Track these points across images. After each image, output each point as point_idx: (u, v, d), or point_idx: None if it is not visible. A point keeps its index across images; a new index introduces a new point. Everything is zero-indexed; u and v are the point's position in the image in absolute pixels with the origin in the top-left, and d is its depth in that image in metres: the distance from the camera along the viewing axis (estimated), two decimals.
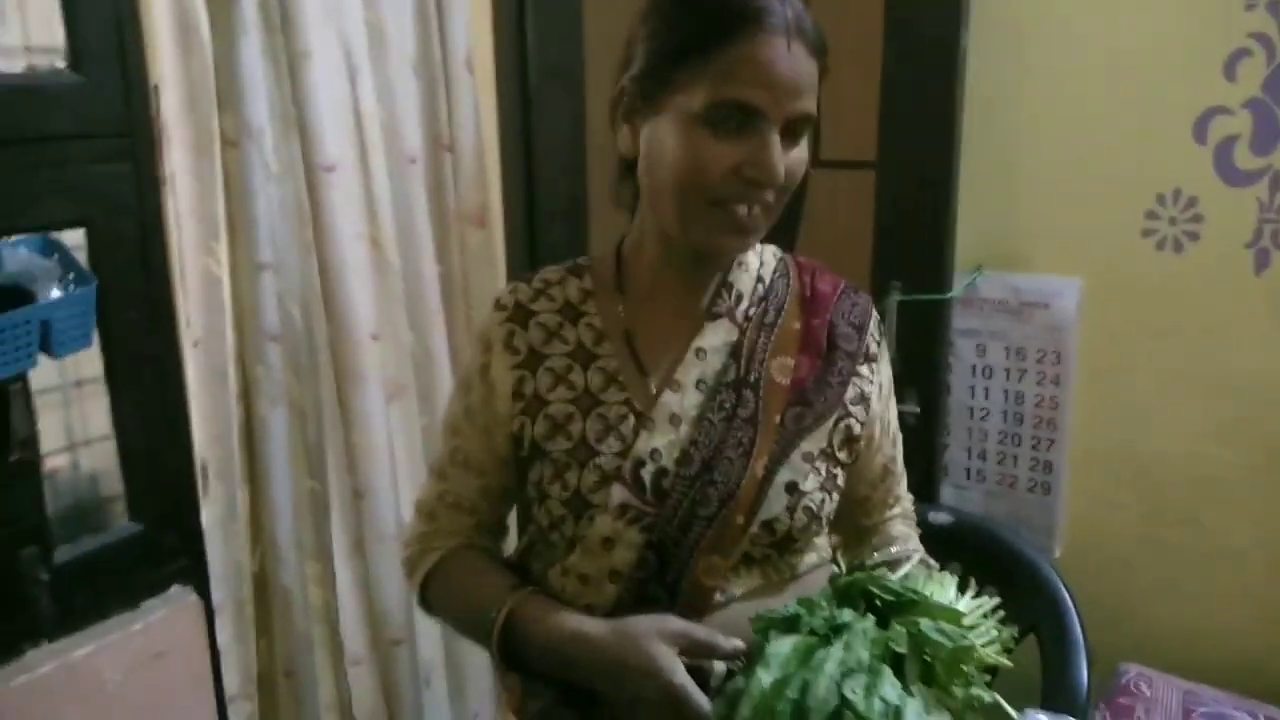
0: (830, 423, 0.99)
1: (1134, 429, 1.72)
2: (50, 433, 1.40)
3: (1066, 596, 1.48)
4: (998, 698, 0.78)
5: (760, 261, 1.05)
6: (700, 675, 0.85)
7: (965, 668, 0.78)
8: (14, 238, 1.30)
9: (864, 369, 1.03)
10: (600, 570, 0.95)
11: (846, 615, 0.82)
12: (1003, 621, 0.85)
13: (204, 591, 1.54)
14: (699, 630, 0.88)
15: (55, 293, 1.30)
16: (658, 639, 0.86)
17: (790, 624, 0.83)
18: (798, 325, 1.01)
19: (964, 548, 1.54)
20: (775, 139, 0.88)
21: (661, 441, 0.95)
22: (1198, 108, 1.58)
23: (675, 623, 0.88)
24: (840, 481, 1.01)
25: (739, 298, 1.02)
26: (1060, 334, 1.74)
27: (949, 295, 1.74)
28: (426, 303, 1.84)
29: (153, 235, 1.44)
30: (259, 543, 1.62)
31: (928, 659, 0.79)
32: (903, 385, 1.62)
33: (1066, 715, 1.00)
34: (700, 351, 0.99)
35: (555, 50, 1.99)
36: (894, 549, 1.06)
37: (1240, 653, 1.68)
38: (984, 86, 1.69)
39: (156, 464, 1.49)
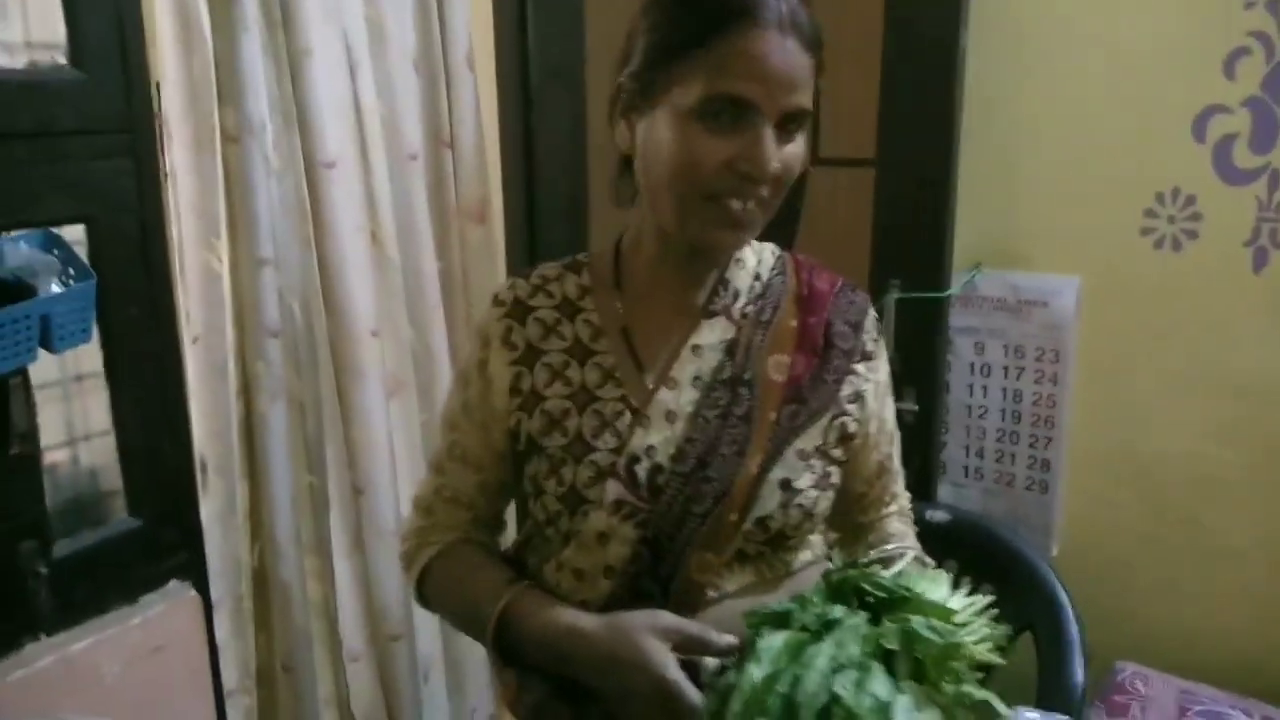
0: (825, 420, 0.99)
1: (1133, 428, 1.72)
2: (50, 427, 1.41)
3: (1062, 595, 1.48)
4: (988, 695, 0.78)
5: (758, 259, 1.05)
6: (693, 670, 0.85)
7: (955, 665, 0.78)
8: (15, 233, 1.30)
9: (860, 367, 1.02)
10: (594, 565, 0.95)
11: (838, 611, 0.82)
12: (996, 619, 0.85)
13: (203, 586, 1.54)
14: (692, 626, 0.88)
15: (55, 288, 1.30)
16: (650, 634, 0.87)
17: (782, 619, 0.83)
18: (794, 323, 1.01)
19: (961, 546, 1.54)
20: (769, 133, 0.88)
21: (657, 438, 0.95)
22: (1197, 106, 1.58)
23: (668, 618, 0.89)
24: (835, 479, 1.01)
25: (736, 295, 1.02)
26: (1059, 332, 1.74)
27: (948, 293, 1.74)
28: (426, 299, 1.84)
29: (153, 231, 1.45)
30: (258, 538, 1.62)
31: (918, 656, 0.79)
32: (901, 383, 1.62)
33: (1059, 714, 1.00)
34: (696, 348, 0.99)
35: (556, 48, 2.00)
36: (889, 546, 1.06)
37: (1240, 653, 1.68)
38: (984, 86, 1.68)
39: (156, 459, 1.49)
